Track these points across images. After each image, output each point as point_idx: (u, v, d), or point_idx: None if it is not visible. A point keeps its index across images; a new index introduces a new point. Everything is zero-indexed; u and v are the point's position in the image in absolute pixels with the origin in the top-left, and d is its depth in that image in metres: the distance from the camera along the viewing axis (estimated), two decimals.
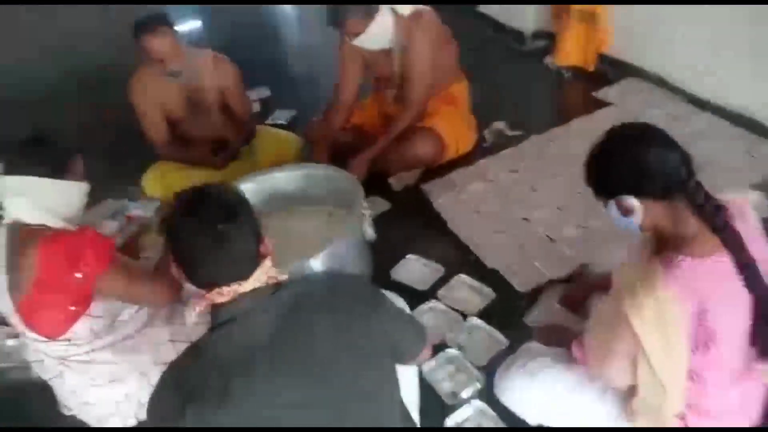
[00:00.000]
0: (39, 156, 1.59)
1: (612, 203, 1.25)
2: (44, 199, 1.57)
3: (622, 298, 1.21)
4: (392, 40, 2.48)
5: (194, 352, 1.14)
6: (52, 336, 1.59)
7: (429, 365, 1.83)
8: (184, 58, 2.48)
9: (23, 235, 1.53)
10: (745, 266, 1.19)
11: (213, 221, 1.10)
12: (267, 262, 1.18)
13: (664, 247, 1.26)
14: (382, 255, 2.27)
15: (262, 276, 1.15)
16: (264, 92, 3.69)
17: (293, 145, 2.87)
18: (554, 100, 3.17)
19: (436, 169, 2.68)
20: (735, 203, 1.27)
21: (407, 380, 1.59)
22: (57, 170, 1.60)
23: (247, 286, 1.13)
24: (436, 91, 2.67)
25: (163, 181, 2.73)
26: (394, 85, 2.64)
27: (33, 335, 1.60)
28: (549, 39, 3.42)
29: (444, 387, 1.78)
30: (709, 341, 1.21)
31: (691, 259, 1.19)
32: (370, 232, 2.13)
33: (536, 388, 1.51)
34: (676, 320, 1.17)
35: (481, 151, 2.79)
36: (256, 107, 3.56)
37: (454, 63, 2.69)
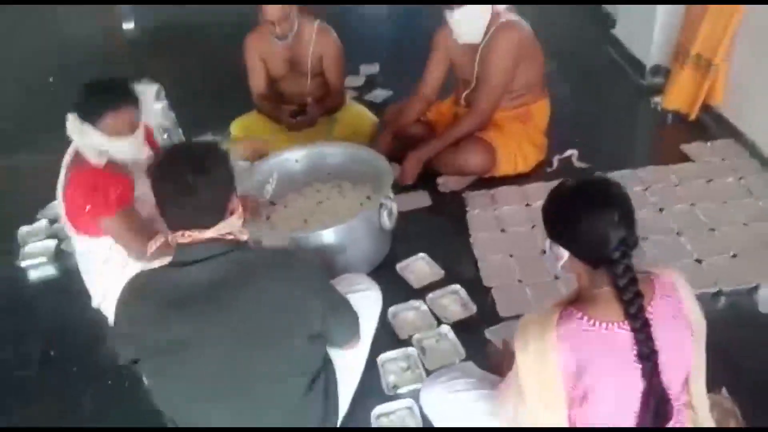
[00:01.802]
0: (86, 95, 1.87)
1: (548, 242, 1.31)
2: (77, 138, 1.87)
3: (516, 335, 1.28)
4: (482, 38, 2.54)
5: (142, 284, 1.38)
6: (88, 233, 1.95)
7: (386, 355, 1.97)
8: (293, 24, 2.76)
9: (74, 162, 1.92)
10: (647, 357, 1.19)
11: (183, 172, 1.29)
12: (233, 218, 1.38)
13: (576, 297, 1.30)
14: (400, 246, 2.43)
15: (223, 229, 1.34)
16: (373, 69, 3.89)
17: (368, 124, 3.06)
18: (640, 142, 3.03)
19: (489, 180, 2.72)
20: (663, 279, 1.27)
21: (352, 365, 1.75)
22: (91, 112, 1.83)
23: (207, 234, 1.32)
24: (514, 105, 2.70)
25: (245, 128, 3.07)
26: (471, 88, 2.71)
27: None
28: (667, 77, 3.25)
29: (389, 379, 1.91)
30: (584, 400, 1.24)
31: (587, 320, 1.22)
32: (386, 222, 2.28)
33: (455, 404, 1.60)
34: (555, 368, 1.21)
35: (541, 174, 2.78)
36: (361, 82, 3.78)
37: (537, 81, 2.70)
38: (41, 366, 2.18)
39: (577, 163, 2.83)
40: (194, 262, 1.32)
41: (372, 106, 3.42)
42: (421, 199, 2.69)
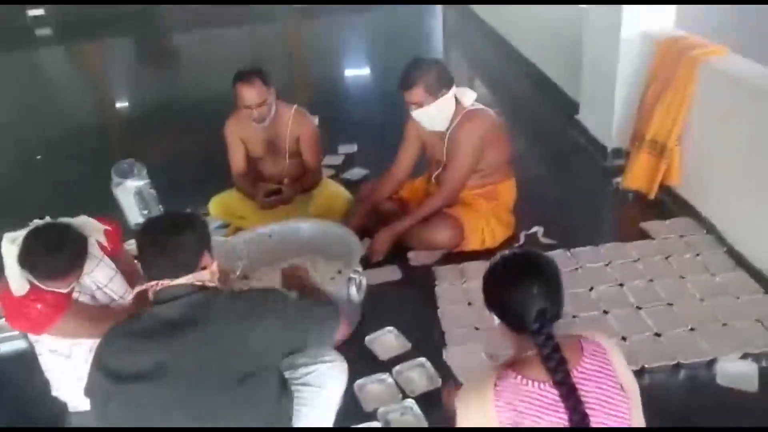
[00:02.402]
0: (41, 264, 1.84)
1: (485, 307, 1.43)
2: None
3: (458, 398, 1.37)
4: (448, 126, 2.70)
5: (114, 330, 1.54)
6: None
7: (352, 427, 1.97)
8: (270, 108, 2.91)
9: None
10: (577, 422, 1.25)
11: (158, 234, 1.54)
12: (204, 273, 1.56)
13: (512, 360, 1.38)
14: (369, 319, 2.47)
15: (191, 279, 1.52)
16: (351, 148, 4.07)
17: (343, 202, 3.17)
18: (603, 220, 3.16)
19: (458, 255, 2.81)
20: (591, 342, 1.36)
21: (321, 424, 1.78)
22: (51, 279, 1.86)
23: (175, 281, 1.51)
24: (482, 184, 2.83)
25: (223, 205, 3.17)
26: (441, 168, 2.85)
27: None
28: (627, 159, 3.43)
29: None
30: None
31: (521, 379, 1.29)
32: (355, 296, 2.34)
33: None
34: (494, 422, 1.28)
35: (509, 249, 2.86)
36: (339, 161, 3.94)
37: (503, 162, 2.85)
38: None
39: (543, 239, 2.93)
40: (160, 303, 1.51)
41: (349, 183, 3.56)
42: (391, 273, 2.76)
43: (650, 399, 1.97)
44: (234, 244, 2.57)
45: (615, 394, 1.30)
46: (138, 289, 1.60)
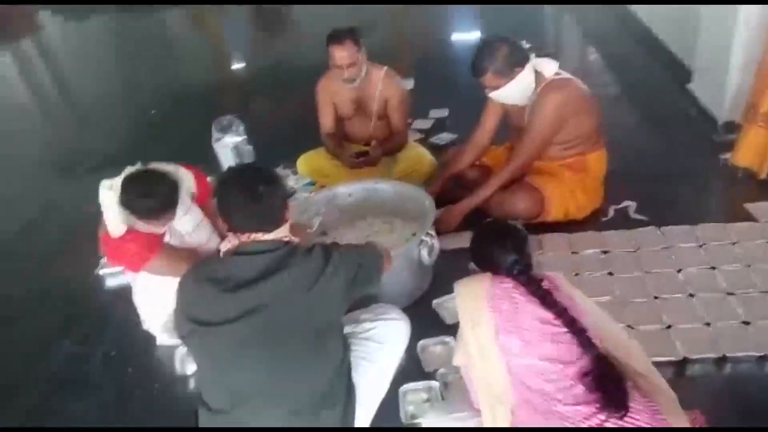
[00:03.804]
0: (139, 198, 2.01)
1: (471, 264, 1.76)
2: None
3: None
4: (531, 99, 2.62)
5: (199, 272, 1.60)
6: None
7: (409, 386, 2.01)
8: (361, 69, 2.94)
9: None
10: (577, 331, 1.47)
11: (253, 184, 1.54)
12: (286, 226, 1.61)
13: None
14: (440, 283, 2.47)
15: (279, 233, 1.58)
16: (442, 113, 4.02)
17: (427, 166, 3.17)
18: (703, 199, 2.91)
19: (538, 226, 2.73)
20: (549, 277, 1.61)
21: (374, 389, 1.82)
22: (144, 216, 2.03)
23: (268, 236, 1.56)
24: (567, 155, 2.72)
25: (310, 163, 3.27)
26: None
27: None
28: (739, 134, 3.15)
29: (408, 408, 1.96)
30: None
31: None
32: (425, 258, 2.35)
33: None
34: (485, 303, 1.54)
35: (595, 223, 2.76)
36: (429, 125, 3.92)
37: (591, 133, 2.71)
38: (102, 363, 2.40)
39: (633, 215, 2.78)
40: (246, 254, 1.54)
41: (436, 148, 3.54)
42: (467, 240, 2.72)
43: (732, 390, 1.90)
44: (314, 200, 2.66)
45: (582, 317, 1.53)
46: (229, 244, 1.62)
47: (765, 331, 2.05)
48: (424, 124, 3.91)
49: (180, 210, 2.16)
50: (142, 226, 2.08)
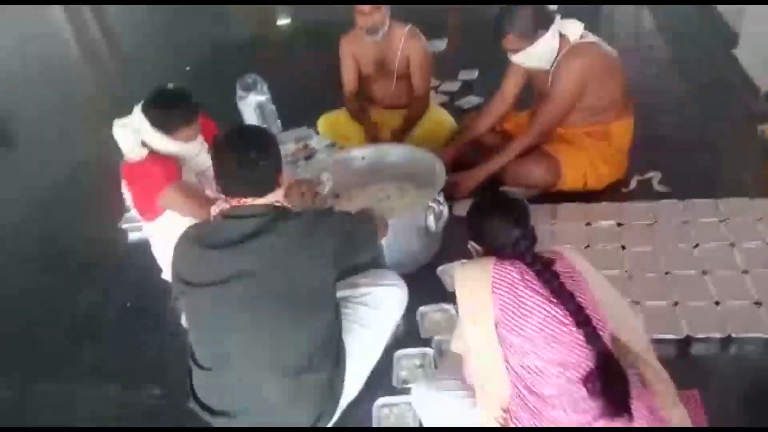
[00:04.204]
0: (164, 108, 2.12)
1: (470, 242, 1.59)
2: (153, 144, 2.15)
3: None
4: (552, 62, 2.52)
5: (192, 233, 1.63)
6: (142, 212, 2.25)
7: (404, 351, 2.03)
8: (384, 19, 2.89)
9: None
10: (584, 324, 1.35)
11: (247, 149, 1.54)
12: (280, 192, 1.61)
13: None
14: (448, 250, 2.46)
15: (270, 198, 1.58)
16: (471, 74, 3.92)
17: (447, 130, 3.12)
18: (733, 172, 2.75)
19: (555, 195, 2.66)
20: (563, 259, 1.47)
21: (368, 352, 1.85)
22: (171, 124, 2.12)
23: (259, 201, 1.56)
24: (589, 123, 2.63)
25: (331, 124, 3.26)
26: None
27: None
28: None
29: (401, 374, 1.97)
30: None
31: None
32: (432, 224, 2.33)
33: (441, 402, 1.64)
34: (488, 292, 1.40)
35: (615, 193, 2.67)
36: (456, 87, 3.83)
37: (616, 100, 2.59)
38: (119, 314, 2.51)
39: (657, 187, 2.68)
40: (235, 217, 1.55)
41: (460, 111, 3.47)
42: None
43: (735, 372, 1.85)
44: (326, 163, 2.66)
45: (584, 289, 1.42)
46: (220, 208, 1.62)
47: None
48: (452, 86, 3.82)
49: (195, 147, 2.22)
50: (165, 144, 2.13)
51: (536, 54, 2.47)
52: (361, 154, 2.73)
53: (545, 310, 1.37)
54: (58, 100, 4.94)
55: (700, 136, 3.02)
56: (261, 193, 1.56)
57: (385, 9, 2.86)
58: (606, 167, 2.67)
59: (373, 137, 3.03)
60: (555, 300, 1.37)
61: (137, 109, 2.14)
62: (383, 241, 2.20)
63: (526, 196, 2.64)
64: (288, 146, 3.42)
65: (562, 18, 2.50)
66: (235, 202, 1.56)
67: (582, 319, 1.35)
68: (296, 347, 1.60)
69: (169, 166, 2.12)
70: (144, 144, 2.14)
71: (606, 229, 2.44)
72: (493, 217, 1.51)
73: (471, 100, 3.64)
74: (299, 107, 3.69)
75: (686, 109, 3.30)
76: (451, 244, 2.47)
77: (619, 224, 2.46)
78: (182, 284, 1.59)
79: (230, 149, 1.57)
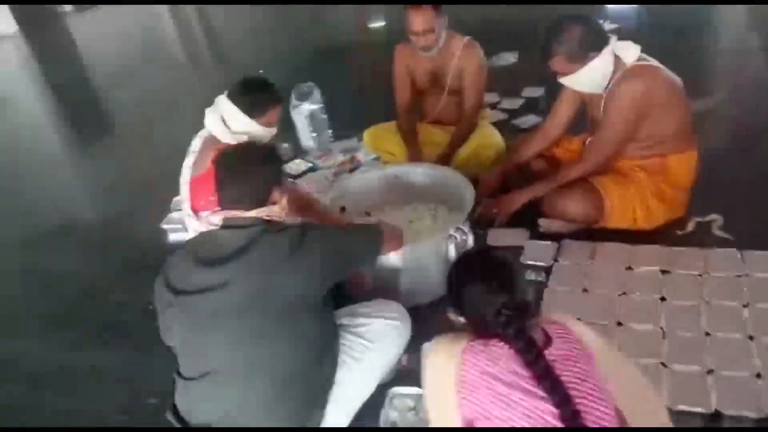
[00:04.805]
0: (252, 93, 2.23)
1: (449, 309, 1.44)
2: (237, 127, 2.22)
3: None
4: (606, 86, 2.32)
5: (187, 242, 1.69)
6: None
7: (399, 390, 1.92)
8: (439, 37, 2.79)
9: (209, 146, 2.23)
10: (571, 419, 1.15)
11: (236, 164, 1.60)
12: (274, 208, 1.63)
13: None
14: None
15: (261, 213, 1.59)
16: (537, 92, 3.73)
17: (492, 151, 2.96)
18: None
19: (599, 231, 2.45)
20: (557, 327, 1.30)
21: (359, 385, 1.77)
22: (257, 108, 2.21)
23: (246, 214, 1.57)
24: (644, 155, 2.40)
25: (376, 138, 3.19)
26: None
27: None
28: None
29: (391, 415, 1.86)
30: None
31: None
32: (453, 254, 2.21)
33: None
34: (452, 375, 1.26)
35: (669, 235, 2.42)
36: (518, 104, 3.64)
37: (677, 131, 2.35)
38: (141, 314, 2.55)
39: (717, 232, 2.40)
40: (226, 227, 1.58)
41: (517, 131, 3.29)
42: (517, 237, 2.54)
43: None
44: (343, 184, 2.61)
45: (588, 372, 1.23)
46: (213, 214, 1.64)
47: None
48: (513, 103, 3.65)
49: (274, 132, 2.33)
50: (251, 127, 2.21)
51: (586, 78, 2.29)
52: (395, 172, 2.64)
53: (522, 406, 1.18)
54: (156, 95, 5.19)
55: None
56: (252, 206, 1.58)
57: (439, 25, 2.75)
58: (661, 206, 2.42)
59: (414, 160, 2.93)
60: (536, 390, 1.18)
61: (221, 98, 2.25)
62: (399, 263, 2.13)
63: (567, 231, 2.50)
64: (336, 157, 3.40)
65: (618, 40, 2.29)
66: (225, 213, 1.59)
67: (569, 414, 1.15)
68: (279, 360, 1.56)
69: None
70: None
71: (647, 276, 2.21)
72: (474, 281, 1.33)
73: (530, 120, 3.45)
74: (353, 117, 3.65)
75: (762, 144, 2.94)
76: None
77: (663, 271, 2.22)
78: (170, 293, 1.58)
79: (227, 160, 1.62)
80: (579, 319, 1.97)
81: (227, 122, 2.24)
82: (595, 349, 1.30)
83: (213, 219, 1.65)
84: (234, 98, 2.22)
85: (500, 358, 1.24)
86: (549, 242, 2.47)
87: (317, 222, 2.18)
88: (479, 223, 2.57)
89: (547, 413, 1.16)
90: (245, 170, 1.60)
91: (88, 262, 3.05)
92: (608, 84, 2.30)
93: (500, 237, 2.54)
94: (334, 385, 1.71)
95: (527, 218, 2.56)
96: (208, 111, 2.30)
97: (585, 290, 2.20)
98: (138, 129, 4.65)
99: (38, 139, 5.05)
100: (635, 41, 2.30)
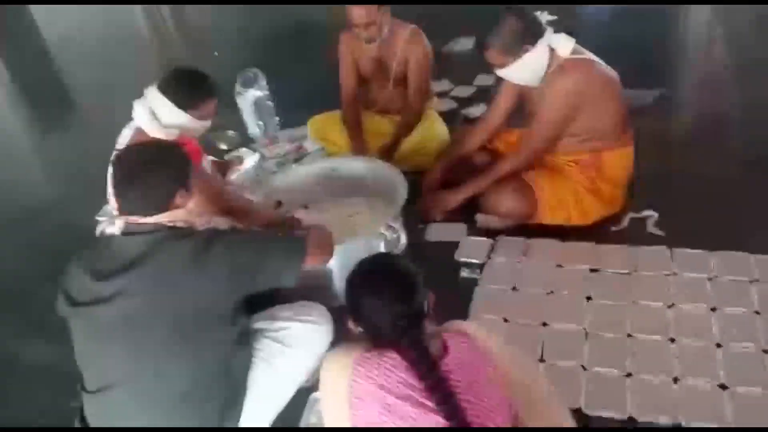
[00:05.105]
0: (186, 85, 2.16)
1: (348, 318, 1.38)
2: (168, 120, 2.14)
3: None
4: (543, 80, 2.28)
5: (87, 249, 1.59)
6: None
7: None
8: (381, 28, 2.71)
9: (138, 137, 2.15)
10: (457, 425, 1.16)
11: (134, 168, 1.50)
12: (178, 212, 1.54)
13: None
14: None
15: (162, 218, 1.51)
16: (490, 80, 3.64)
17: (436, 143, 2.91)
18: (754, 219, 2.35)
19: (535, 227, 2.43)
20: (458, 336, 1.31)
21: (276, 388, 1.73)
22: (192, 101, 2.14)
23: (147, 220, 1.50)
24: (578, 150, 2.38)
25: (320, 128, 3.13)
26: None
27: None
28: None
29: (311, 419, 1.84)
30: None
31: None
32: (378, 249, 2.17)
33: None
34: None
35: (604, 232, 2.40)
36: (469, 93, 3.61)
37: (612, 126, 2.33)
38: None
39: (652, 229, 2.39)
40: (127, 234, 1.50)
41: (465, 121, 3.25)
42: (455, 233, 2.51)
43: None
44: (273, 184, 2.57)
45: (486, 381, 1.24)
46: (115, 220, 1.57)
47: (745, 398, 1.69)
48: (464, 91, 3.59)
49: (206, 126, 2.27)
50: (183, 119, 2.14)
51: (520, 71, 2.26)
52: (332, 165, 2.60)
53: (411, 418, 1.18)
54: (118, 74, 5.03)
55: (723, 171, 2.65)
56: (150, 213, 1.50)
57: (380, 18, 2.67)
58: (596, 202, 2.41)
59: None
60: (428, 402, 1.18)
61: (151, 89, 2.16)
62: (334, 266, 2.08)
63: (503, 226, 2.47)
64: (283, 146, 3.34)
65: (554, 32, 2.25)
66: (126, 218, 1.51)
67: (458, 426, 1.16)
68: (182, 373, 1.51)
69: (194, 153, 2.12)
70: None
71: (576, 275, 2.20)
72: (369, 291, 1.30)
73: (480, 110, 3.39)
74: (302, 104, 3.55)
75: (712, 136, 2.94)
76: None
77: (592, 270, 2.21)
78: (68, 306, 1.53)
79: (123, 164, 1.53)
80: (506, 319, 2.04)
81: (158, 115, 2.15)
82: (497, 356, 1.31)
83: (119, 223, 1.60)
84: (166, 90, 2.14)
85: (393, 370, 1.22)
86: (484, 239, 2.44)
87: (244, 223, 2.09)
88: (422, 218, 2.55)
89: (438, 426, 1.15)
90: (142, 174, 1.49)
91: (17, 254, 2.95)
92: (543, 77, 2.27)
93: (439, 232, 2.52)
94: (249, 391, 1.68)
95: (468, 213, 2.53)
96: (136, 103, 2.21)
97: (514, 288, 2.19)
98: (95, 114, 4.49)
99: None
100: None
